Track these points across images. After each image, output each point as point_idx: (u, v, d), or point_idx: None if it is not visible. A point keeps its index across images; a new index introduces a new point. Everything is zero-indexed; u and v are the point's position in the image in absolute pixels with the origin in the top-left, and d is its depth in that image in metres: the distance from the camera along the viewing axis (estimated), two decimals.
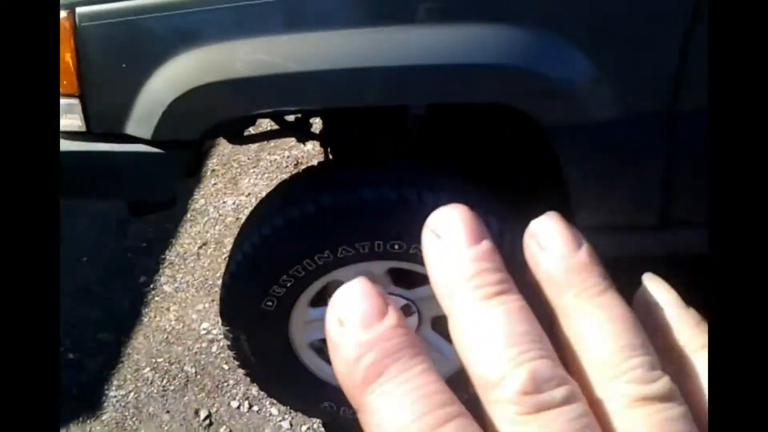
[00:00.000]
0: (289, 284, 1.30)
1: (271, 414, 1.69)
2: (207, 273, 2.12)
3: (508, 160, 1.53)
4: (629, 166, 1.12)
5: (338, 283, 1.37)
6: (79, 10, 1.07)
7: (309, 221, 1.23)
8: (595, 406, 0.20)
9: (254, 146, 2.62)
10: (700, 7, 0.97)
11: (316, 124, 1.72)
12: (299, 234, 1.25)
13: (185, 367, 1.84)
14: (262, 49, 1.05)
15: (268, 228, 1.26)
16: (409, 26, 1.04)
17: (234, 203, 2.39)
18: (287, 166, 2.52)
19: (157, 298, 2.06)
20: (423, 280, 1.33)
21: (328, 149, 1.54)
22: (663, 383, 0.20)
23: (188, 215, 2.36)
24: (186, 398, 1.76)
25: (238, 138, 1.54)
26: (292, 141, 2.48)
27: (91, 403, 1.76)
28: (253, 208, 1.44)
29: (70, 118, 1.15)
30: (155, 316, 2.00)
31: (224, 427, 1.68)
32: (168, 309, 2.02)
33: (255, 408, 1.71)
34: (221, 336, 1.63)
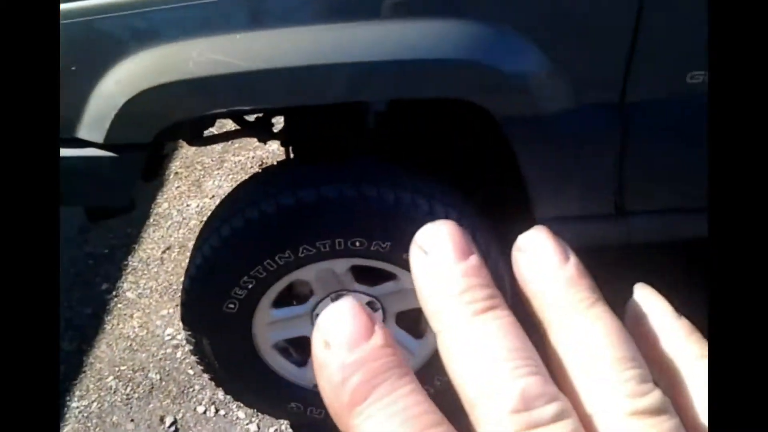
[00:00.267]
0: (250, 286, 1.29)
1: (238, 417, 1.67)
2: (171, 278, 2.09)
3: (472, 156, 1.54)
4: (583, 157, 1.14)
5: (301, 283, 1.37)
6: None
7: (269, 221, 1.22)
8: (587, 421, 0.20)
9: (218, 148, 2.59)
10: None
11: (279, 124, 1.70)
12: (259, 234, 1.24)
13: (150, 374, 1.80)
14: (216, 48, 1.03)
15: (228, 229, 1.24)
16: (365, 22, 1.04)
17: (198, 206, 2.36)
18: (252, 167, 2.49)
19: (119, 305, 2.02)
20: (386, 276, 1.33)
21: (290, 148, 1.53)
22: (655, 396, 0.20)
23: (151, 219, 2.32)
24: (151, 405, 1.73)
25: (197, 139, 1.52)
26: (256, 141, 2.46)
27: None
28: (213, 209, 1.42)
29: None
30: (118, 324, 1.96)
31: None
32: (131, 316, 1.98)
33: (222, 412, 1.69)
34: (186, 342, 1.61)
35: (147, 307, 2.00)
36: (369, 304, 1.39)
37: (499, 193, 1.44)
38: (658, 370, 0.23)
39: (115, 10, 1.04)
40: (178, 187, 2.47)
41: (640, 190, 1.20)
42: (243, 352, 1.40)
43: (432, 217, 1.19)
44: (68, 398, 1.76)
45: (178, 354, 1.84)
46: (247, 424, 1.66)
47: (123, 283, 2.08)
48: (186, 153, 2.61)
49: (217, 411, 1.69)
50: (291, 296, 1.42)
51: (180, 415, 1.70)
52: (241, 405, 1.63)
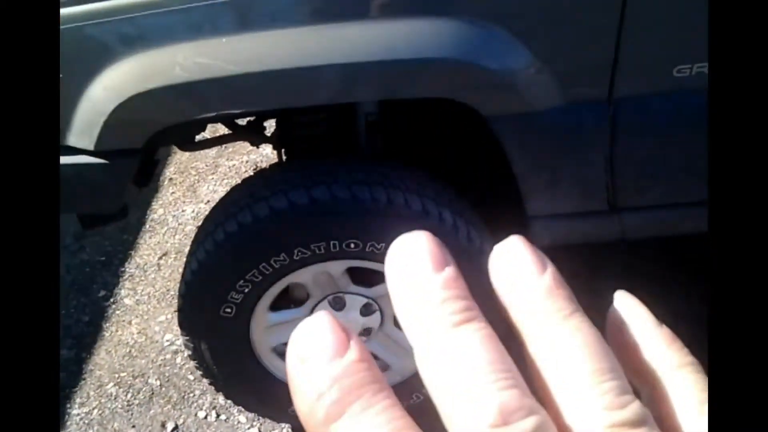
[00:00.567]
0: (246, 290, 1.29)
1: (239, 422, 1.67)
2: (168, 284, 2.08)
3: (463, 154, 1.54)
4: (574, 153, 1.14)
5: (297, 286, 1.37)
6: None
7: (262, 225, 1.21)
8: None
9: (212, 152, 2.58)
10: None
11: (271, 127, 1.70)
12: (253, 238, 1.23)
13: (150, 380, 1.80)
14: (202, 51, 1.03)
15: (222, 233, 1.24)
16: (352, 23, 1.03)
17: (193, 211, 2.36)
18: (246, 171, 2.49)
19: (118, 312, 2.01)
20: (382, 277, 1.33)
21: (282, 151, 1.53)
22: (634, 408, 0.20)
23: (147, 226, 2.32)
24: (152, 411, 1.73)
25: (189, 144, 1.52)
26: (249, 145, 2.46)
27: None
28: (207, 214, 1.42)
29: None
30: (117, 330, 1.96)
31: None
32: (130, 322, 1.98)
33: (223, 417, 1.69)
34: (184, 347, 1.61)
35: (145, 314, 2.00)
36: (366, 306, 1.39)
37: (492, 191, 1.44)
38: (639, 380, 0.22)
39: (102, 16, 1.04)
40: (173, 192, 2.46)
41: (631, 185, 1.20)
42: (241, 356, 1.40)
43: (426, 216, 1.19)
44: (69, 406, 1.76)
45: (178, 359, 1.84)
46: (248, 428, 1.65)
47: (120, 289, 2.08)
48: (180, 158, 2.60)
49: (218, 416, 1.69)
50: (288, 299, 1.42)
51: (181, 420, 1.70)
52: (242, 409, 1.63)
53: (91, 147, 1.12)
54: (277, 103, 1.12)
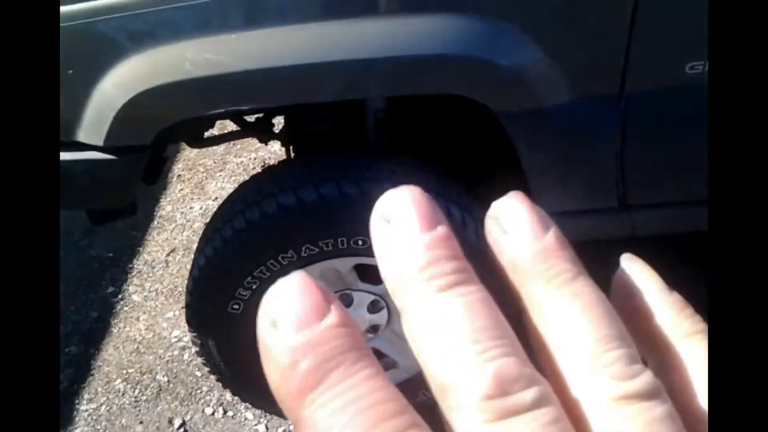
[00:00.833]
0: (254, 286, 1.29)
1: (246, 419, 1.67)
2: (176, 280, 2.09)
3: (470, 151, 1.53)
4: (584, 150, 1.13)
5: None
6: None
7: (270, 221, 1.21)
8: (571, 407, 0.18)
9: (220, 149, 2.59)
10: None
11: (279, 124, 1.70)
12: (262, 235, 1.23)
13: (157, 377, 1.81)
14: (211, 48, 1.03)
15: (230, 230, 1.24)
16: (362, 19, 1.03)
17: (201, 208, 2.36)
18: (254, 168, 2.49)
19: (126, 308, 2.02)
20: None
21: (290, 148, 1.53)
22: (644, 379, 0.18)
23: (155, 222, 2.33)
24: (159, 408, 1.73)
25: (198, 141, 1.52)
26: (258, 142, 2.46)
27: (62, 418, 1.72)
28: (215, 211, 1.42)
29: None
30: (125, 327, 1.96)
31: None
32: (137, 318, 1.98)
33: (230, 413, 1.69)
34: (192, 343, 1.61)
35: (153, 310, 2.00)
36: (374, 303, 1.38)
37: (501, 188, 1.43)
38: (648, 349, 0.21)
39: (111, 12, 1.04)
40: (181, 189, 2.47)
41: (642, 182, 1.19)
42: (249, 352, 1.40)
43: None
44: (77, 401, 1.76)
45: (185, 356, 1.85)
46: (255, 425, 1.66)
47: (128, 286, 2.09)
48: (188, 155, 2.61)
49: (225, 412, 1.69)
50: None
51: (188, 416, 1.70)
52: (249, 406, 1.63)
53: (100, 143, 1.12)
54: (287, 100, 1.12)
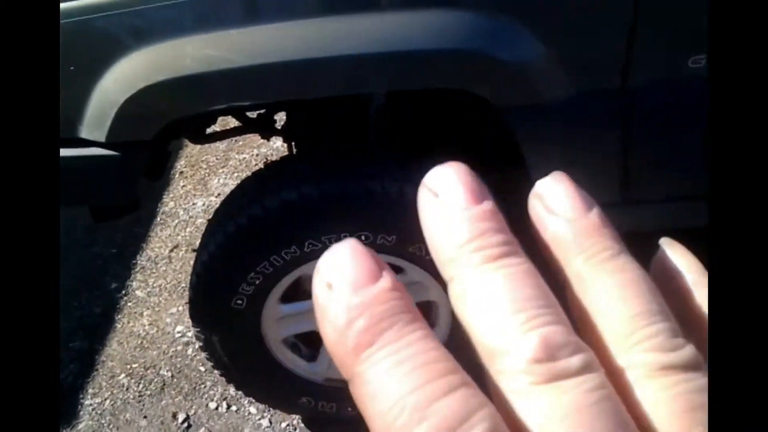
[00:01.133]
0: (257, 282, 1.29)
1: (249, 413, 1.68)
2: (179, 276, 2.10)
3: (471, 147, 1.53)
4: (587, 144, 1.13)
5: (308, 278, 1.37)
6: None
7: (273, 217, 1.22)
8: (614, 377, 0.19)
9: (222, 146, 2.59)
10: None
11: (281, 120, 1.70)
12: (264, 231, 1.23)
13: (161, 371, 1.82)
14: (212, 44, 1.03)
15: (233, 226, 1.24)
16: (363, 14, 1.03)
17: (204, 204, 2.37)
18: (256, 164, 2.50)
19: (129, 304, 2.03)
20: (395, 269, 1.32)
21: (292, 144, 1.53)
22: (687, 351, 0.18)
23: (158, 218, 2.33)
24: (163, 402, 1.74)
25: (200, 137, 1.52)
26: (260, 139, 2.46)
27: (66, 413, 1.73)
28: (218, 206, 1.42)
29: None
30: (128, 322, 1.97)
31: (203, 428, 1.67)
32: (141, 314, 1.99)
33: (233, 408, 1.70)
34: (195, 339, 1.62)
35: (157, 305, 2.01)
36: None
37: (504, 183, 1.43)
38: (688, 329, 0.21)
39: (111, 9, 1.04)
40: (183, 186, 2.47)
41: (645, 177, 1.19)
42: (252, 347, 1.40)
43: None
44: (81, 396, 1.77)
45: (189, 351, 1.85)
46: (259, 419, 1.66)
47: (132, 281, 2.10)
48: (191, 152, 2.61)
49: (229, 407, 1.70)
50: (299, 292, 1.42)
51: (192, 411, 1.71)
52: (253, 400, 1.64)
53: (102, 139, 1.12)
54: (288, 95, 1.12)
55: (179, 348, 1.87)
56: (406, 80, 1.10)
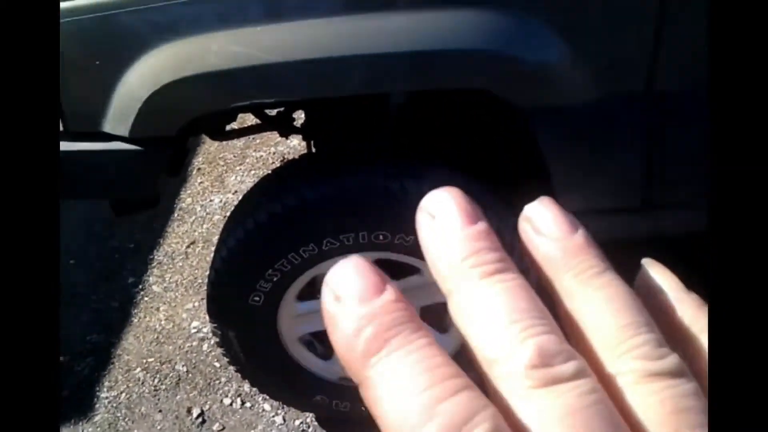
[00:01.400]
0: (275, 279, 1.29)
1: (263, 410, 1.69)
2: (196, 272, 2.11)
3: (490, 147, 1.52)
4: (609, 148, 1.12)
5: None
6: None
7: (292, 215, 1.22)
8: (605, 383, 0.20)
9: (240, 143, 2.60)
10: None
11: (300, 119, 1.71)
12: (283, 228, 1.24)
13: (176, 366, 1.83)
14: (237, 40, 1.04)
15: (252, 223, 1.25)
16: (386, 13, 1.03)
17: (221, 201, 2.38)
18: (273, 162, 2.51)
19: (146, 299, 2.05)
20: (410, 269, 1.33)
21: (311, 142, 1.53)
22: (672, 359, 0.20)
23: (175, 214, 2.35)
24: (178, 397, 1.75)
25: (220, 134, 1.53)
26: (277, 137, 2.47)
27: (82, 405, 1.75)
28: (237, 203, 1.43)
29: None
30: (145, 317, 1.99)
31: (217, 424, 1.68)
32: (158, 309, 2.01)
33: (248, 404, 1.70)
34: (212, 334, 1.63)
35: (173, 301, 2.02)
36: None
37: (524, 186, 1.42)
38: (672, 341, 0.22)
39: (136, 5, 1.05)
40: (201, 182, 2.49)
41: (667, 181, 1.18)
42: (268, 344, 1.41)
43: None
44: (97, 389, 1.79)
45: (204, 347, 1.86)
46: (273, 416, 1.67)
47: (149, 277, 2.11)
48: (208, 149, 2.63)
49: (243, 403, 1.71)
50: (316, 290, 1.42)
51: (207, 406, 1.72)
52: (267, 397, 1.64)
53: (126, 134, 1.13)
54: (310, 93, 1.12)
55: (195, 343, 1.88)
56: (428, 80, 1.10)
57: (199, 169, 2.56)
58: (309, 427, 1.63)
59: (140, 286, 2.08)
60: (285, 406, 1.65)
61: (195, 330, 1.92)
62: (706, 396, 0.20)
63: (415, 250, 1.26)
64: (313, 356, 1.48)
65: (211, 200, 2.40)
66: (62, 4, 1.07)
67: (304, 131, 1.55)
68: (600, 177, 1.17)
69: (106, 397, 1.77)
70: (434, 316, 1.44)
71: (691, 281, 0.26)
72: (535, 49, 1.02)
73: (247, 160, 2.56)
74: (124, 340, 1.92)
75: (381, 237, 1.23)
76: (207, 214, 2.34)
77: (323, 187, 1.20)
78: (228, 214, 1.48)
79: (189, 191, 2.45)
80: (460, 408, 0.18)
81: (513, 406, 0.19)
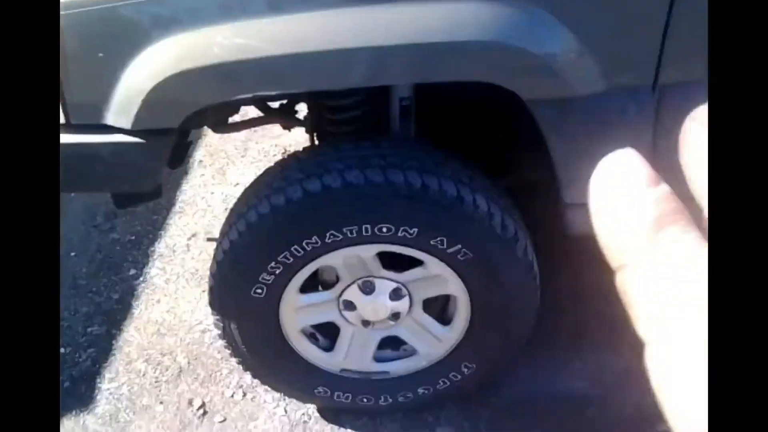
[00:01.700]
0: (277, 271, 1.29)
1: (265, 401, 1.69)
2: (197, 264, 2.11)
3: (501, 140, 1.52)
4: (615, 141, 1.12)
5: (328, 268, 1.37)
6: None
7: (295, 207, 1.22)
8: None
9: (241, 136, 2.59)
10: None
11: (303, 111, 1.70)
12: (286, 220, 1.24)
13: (178, 358, 1.83)
14: (241, 32, 1.03)
15: (254, 215, 1.25)
16: (389, 5, 1.02)
17: (222, 194, 2.38)
18: (275, 155, 2.50)
19: (147, 291, 2.04)
20: (413, 262, 1.33)
21: (314, 134, 1.53)
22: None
23: (176, 207, 2.34)
24: (179, 388, 1.75)
25: (222, 126, 1.52)
26: (279, 129, 2.46)
27: (84, 397, 1.75)
28: (239, 195, 1.42)
29: None
30: (146, 309, 1.99)
31: (218, 415, 1.68)
32: (159, 301, 2.01)
33: (249, 396, 1.71)
34: (213, 326, 1.64)
35: (174, 293, 2.02)
36: (396, 291, 1.39)
37: (529, 178, 1.42)
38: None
39: None
40: (202, 175, 2.48)
41: (674, 176, 1.18)
42: (270, 336, 1.41)
43: (460, 202, 1.18)
44: (99, 380, 1.79)
45: (206, 338, 1.87)
46: (274, 407, 1.67)
47: (150, 269, 2.11)
48: (210, 141, 2.62)
49: (244, 394, 1.71)
50: (318, 282, 1.42)
51: (208, 398, 1.72)
52: (269, 389, 1.65)
53: (128, 126, 1.13)
54: (314, 85, 1.12)
55: (196, 335, 1.89)
56: (433, 72, 1.10)
57: (200, 161, 2.55)
58: (310, 418, 1.64)
59: (141, 278, 2.08)
60: (286, 397, 1.66)
61: (197, 322, 1.92)
62: None
63: (419, 243, 1.26)
64: (315, 348, 1.48)
65: (212, 193, 2.39)
66: None
67: (307, 123, 1.54)
68: None
69: (108, 389, 1.77)
70: (436, 309, 1.44)
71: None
72: (541, 41, 1.02)
73: (249, 153, 2.55)
74: (126, 332, 1.92)
75: (384, 229, 1.23)
76: (208, 206, 2.34)
77: (326, 180, 1.20)
78: (229, 206, 1.48)
79: (190, 184, 2.44)
80: None
81: None
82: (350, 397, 1.50)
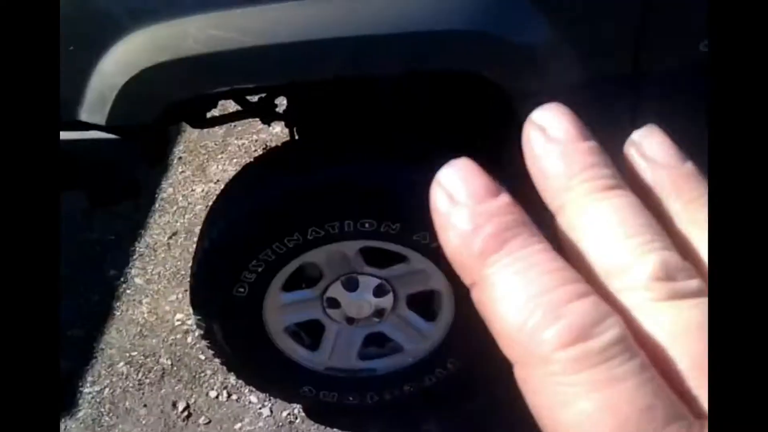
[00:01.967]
0: (259, 269, 1.27)
1: (250, 402, 1.67)
2: (178, 263, 2.07)
3: (486, 132, 1.51)
4: (596, 131, 1.11)
5: (311, 266, 1.35)
6: None
7: (275, 204, 1.20)
8: None
9: (221, 131, 2.56)
10: None
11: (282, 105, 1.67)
12: (266, 217, 1.21)
13: (161, 360, 1.80)
14: (215, 23, 1.00)
15: (235, 212, 1.22)
16: None
17: (203, 191, 2.34)
18: (256, 150, 2.47)
19: (128, 291, 2.01)
20: (396, 258, 1.31)
21: (294, 129, 1.51)
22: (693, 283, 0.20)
23: (156, 205, 2.31)
24: (163, 391, 1.73)
25: (200, 121, 1.49)
26: (259, 124, 2.43)
27: (65, 401, 1.72)
28: (218, 193, 1.40)
29: None
30: (127, 310, 1.95)
31: (203, 417, 1.65)
32: (140, 301, 1.97)
33: (234, 397, 1.68)
34: (196, 326, 1.61)
35: (156, 293, 1.99)
36: (379, 287, 1.37)
37: (516, 169, 1.41)
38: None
39: None
40: (182, 172, 2.44)
41: None
42: (254, 336, 1.39)
43: None
44: (80, 384, 1.76)
45: (189, 339, 1.84)
46: (259, 408, 1.65)
47: (131, 269, 2.07)
48: (189, 137, 2.58)
49: (229, 395, 1.69)
50: (301, 279, 1.40)
51: (192, 399, 1.69)
52: (254, 389, 1.62)
53: (102, 122, 1.09)
54: (291, 77, 1.09)
55: (179, 336, 1.86)
56: (411, 62, 1.08)
57: (180, 158, 2.51)
58: (296, 418, 1.62)
59: (122, 279, 2.04)
60: (271, 397, 1.64)
61: (179, 322, 1.89)
62: None
63: (402, 238, 1.25)
64: (299, 347, 1.46)
65: (192, 190, 2.36)
66: None
67: (287, 118, 1.52)
68: None
69: (89, 393, 1.74)
70: (420, 305, 1.43)
71: None
72: (521, 30, 1.00)
73: (229, 149, 2.52)
74: (107, 334, 1.88)
75: (367, 225, 1.21)
76: (189, 204, 2.30)
77: (307, 176, 1.18)
78: (210, 203, 1.45)
79: (170, 181, 2.41)
80: (588, 310, 0.18)
81: (637, 317, 0.19)
82: (336, 396, 1.48)
